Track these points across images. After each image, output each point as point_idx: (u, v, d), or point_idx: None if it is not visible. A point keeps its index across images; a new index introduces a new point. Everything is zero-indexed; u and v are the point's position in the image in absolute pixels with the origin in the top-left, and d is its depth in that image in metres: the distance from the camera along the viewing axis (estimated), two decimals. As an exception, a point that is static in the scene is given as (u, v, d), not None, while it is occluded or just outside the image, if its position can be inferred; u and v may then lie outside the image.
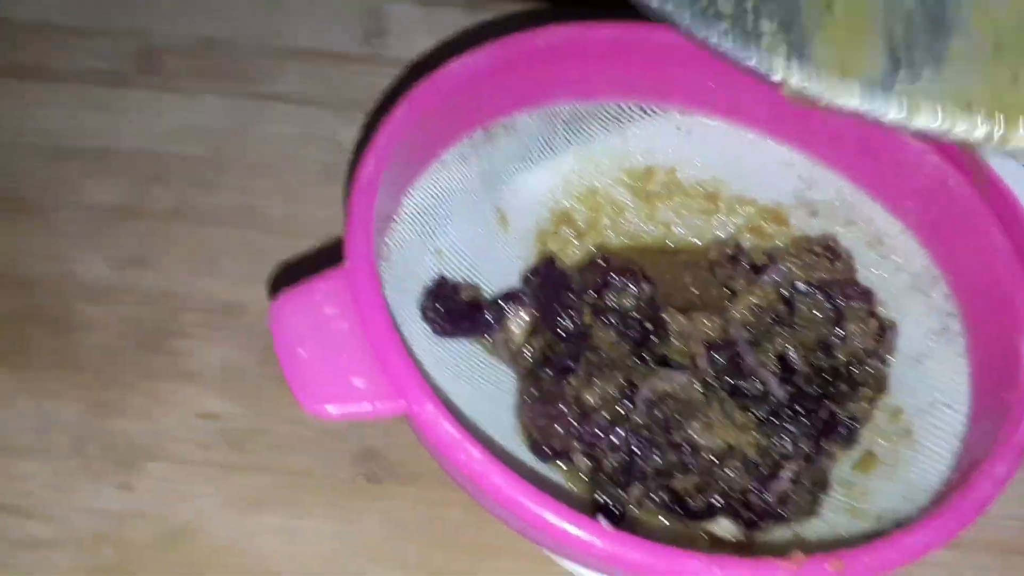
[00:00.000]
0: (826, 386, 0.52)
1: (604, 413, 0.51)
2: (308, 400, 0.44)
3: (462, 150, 0.55)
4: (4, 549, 0.54)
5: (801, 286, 0.54)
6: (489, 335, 0.54)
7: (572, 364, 0.52)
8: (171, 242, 0.63)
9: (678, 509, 0.51)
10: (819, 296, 0.54)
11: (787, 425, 0.51)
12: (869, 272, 0.57)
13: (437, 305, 0.53)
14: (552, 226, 0.59)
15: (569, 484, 0.52)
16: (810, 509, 0.51)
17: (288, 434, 0.58)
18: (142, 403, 0.58)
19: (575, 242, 0.59)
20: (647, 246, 0.59)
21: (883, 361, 0.54)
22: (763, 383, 0.52)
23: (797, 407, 0.51)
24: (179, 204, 0.65)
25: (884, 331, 0.54)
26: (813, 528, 0.51)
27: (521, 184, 0.58)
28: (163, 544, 0.54)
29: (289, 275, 0.62)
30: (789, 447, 0.51)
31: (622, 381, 0.51)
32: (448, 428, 0.42)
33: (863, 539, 0.47)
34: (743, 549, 0.50)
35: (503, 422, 0.53)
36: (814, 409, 0.51)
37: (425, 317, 0.53)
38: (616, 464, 0.51)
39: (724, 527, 0.51)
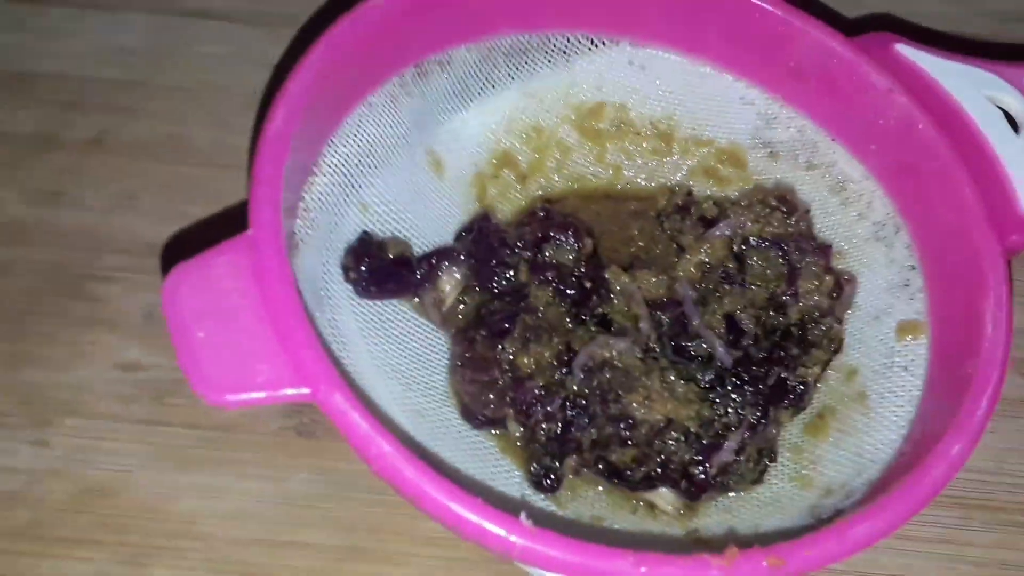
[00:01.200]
0: (776, 349, 0.49)
1: (539, 380, 0.48)
2: (205, 388, 0.40)
3: (391, 91, 0.51)
4: (-89, 511, 0.51)
5: (753, 241, 0.51)
6: (419, 295, 0.51)
7: (507, 326, 0.49)
8: (91, 176, 0.60)
9: (615, 480, 0.48)
10: (772, 252, 0.50)
11: (732, 393, 0.48)
12: (830, 219, 0.54)
13: (360, 265, 0.49)
14: (492, 169, 0.55)
15: (502, 453, 0.50)
16: (756, 478, 0.49)
17: (215, 385, 0.55)
18: (59, 354, 0.55)
19: (517, 186, 0.56)
20: (594, 191, 0.56)
21: (839, 320, 0.51)
22: (709, 347, 0.48)
23: (743, 373, 0.48)
24: (100, 133, 0.61)
25: (841, 288, 0.51)
26: (757, 498, 0.49)
27: (459, 125, 0.54)
28: (81, 504, 0.52)
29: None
30: (733, 417, 0.48)
31: (559, 346, 0.48)
32: (357, 420, 0.39)
33: (807, 522, 0.44)
34: (684, 519, 0.48)
35: (436, 386, 0.50)
36: (761, 375, 0.48)
37: (347, 278, 0.49)
38: (550, 434, 0.48)
39: (664, 497, 0.48)
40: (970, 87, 0.50)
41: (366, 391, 0.45)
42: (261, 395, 0.40)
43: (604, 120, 0.56)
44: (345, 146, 0.50)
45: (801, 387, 0.49)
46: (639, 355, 0.48)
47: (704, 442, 0.47)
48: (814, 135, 0.53)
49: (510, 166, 0.56)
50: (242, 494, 0.52)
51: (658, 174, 0.56)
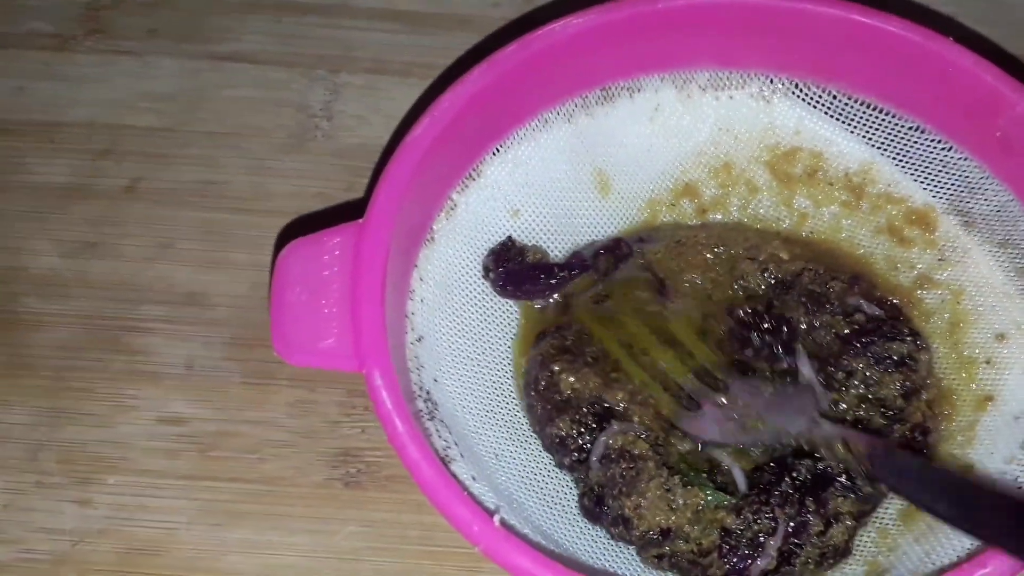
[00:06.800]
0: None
1: (567, 428, 0.49)
2: (278, 342, 0.45)
3: (569, 109, 0.53)
4: (-46, 576, 0.50)
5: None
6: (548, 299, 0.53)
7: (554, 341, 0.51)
8: (126, 225, 0.59)
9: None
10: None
11: (755, 501, 0.46)
12: (1006, 301, 0.51)
13: (499, 267, 0.52)
14: (671, 197, 0.55)
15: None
16: (825, 568, 0.46)
17: (259, 436, 0.54)
18: (101, 408, 0.54)
19: (694, 218, 0.55)
20: (776, 234, 0.54)
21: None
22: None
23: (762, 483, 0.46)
24: (133, 181, 0.60)
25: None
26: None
27: (643, 150, 0.54)
28: (128, 564, 0.51)
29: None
30: (765, 523, 0.45)
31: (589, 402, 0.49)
32: (384, 398, 0.43)
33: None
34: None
35: None
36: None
37: (485, 276, 0.53)
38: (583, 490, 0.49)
39: None
40: None
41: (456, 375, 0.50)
42: (320, 359, 0.45)
43: (797, 165, 0.54)
44: (509, 155, 0.52)
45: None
46: (648, 449, 0.47)
47: (739, 552, 0.45)
48: (1016, 212, 0.50)
49: (691, 196, 0.55)
50: (290, 549, 0.51)
51: (843, 227, 0.54)
